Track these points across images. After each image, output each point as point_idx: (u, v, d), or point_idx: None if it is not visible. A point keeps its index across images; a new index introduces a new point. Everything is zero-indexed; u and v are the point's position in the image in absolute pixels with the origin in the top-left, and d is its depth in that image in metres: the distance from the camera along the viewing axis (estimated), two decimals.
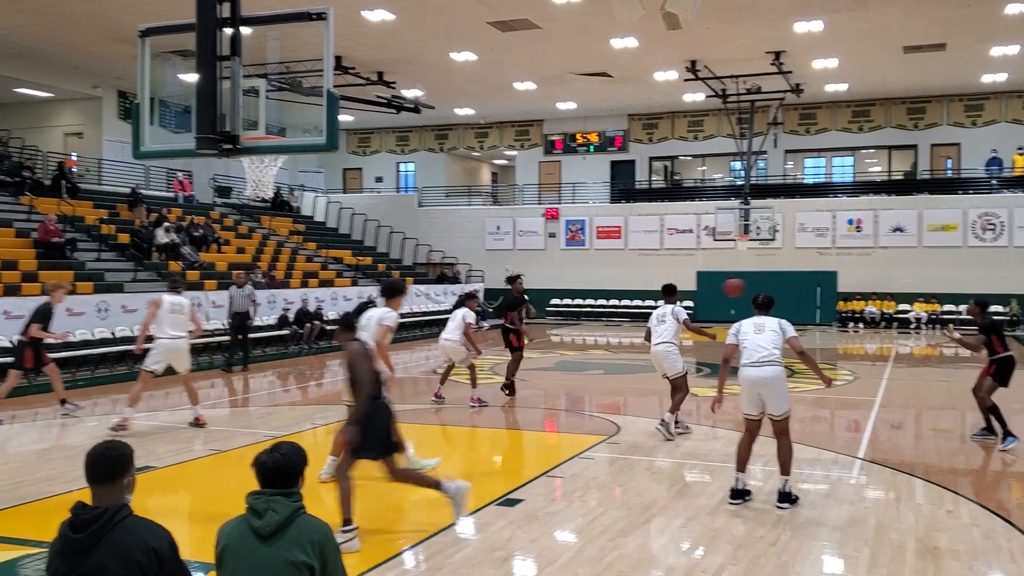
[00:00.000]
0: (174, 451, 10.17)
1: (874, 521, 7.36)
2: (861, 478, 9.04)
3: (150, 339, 12.00)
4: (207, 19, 6.21)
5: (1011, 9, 21.56)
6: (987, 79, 29.90)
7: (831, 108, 34.01)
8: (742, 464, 8.03)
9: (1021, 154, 31.57)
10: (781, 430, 7.92)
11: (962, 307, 30.18)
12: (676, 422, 11.04)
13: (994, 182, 31.94)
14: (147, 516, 3.46)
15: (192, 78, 6.33)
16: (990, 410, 10.31)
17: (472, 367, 13.45)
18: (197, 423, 11.74)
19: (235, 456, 9.93)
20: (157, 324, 11.79)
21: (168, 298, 12.05)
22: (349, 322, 7.66)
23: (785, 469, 7.87)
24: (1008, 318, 29.53)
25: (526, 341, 14.70)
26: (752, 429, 8.06)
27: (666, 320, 11.15)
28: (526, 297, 14.99)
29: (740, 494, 7.93)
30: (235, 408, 14.36)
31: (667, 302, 11.37)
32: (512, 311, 14.39)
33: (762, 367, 7.83)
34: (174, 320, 11.79)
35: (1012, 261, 29.75)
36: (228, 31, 6.31)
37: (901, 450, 10.52)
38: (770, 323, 8.09)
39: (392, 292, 9.22)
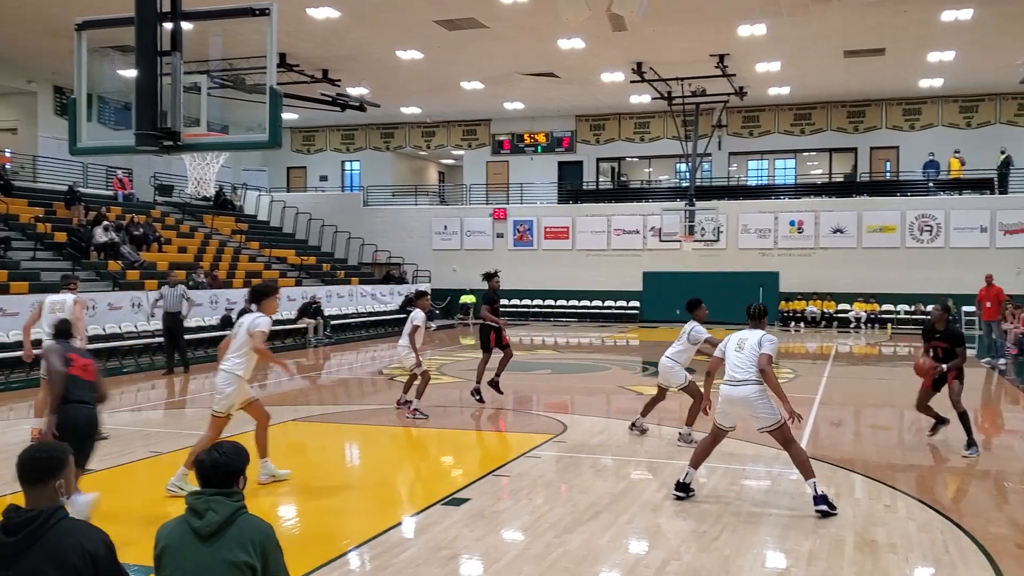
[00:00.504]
0: (113, 454, 9.97)
1: (814, 516, 7.47)
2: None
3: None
4: (146, 13, 6.10)
5: (947, 16, 22.07)
6: (924, 84, 30.57)
7: (774, 111, 34.51)
8: (696, 461, 8.06)
9: (957, 157, 32.32)
10: (782, 439, 7.78)
11: (900, 307, 30.93)
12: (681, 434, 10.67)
13: (931, 185, 32.65)
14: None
15: (131, 74, 6.21)
16: (961, 416, 10.28)
17: (425, 375, 12.55)
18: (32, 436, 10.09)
19: (174, 458, 9.76)
20: (39, 325, 11.05)
21: (50, 297, 11.39)
22: (61, 330, 7.94)
23: (805, 474, 7.64)
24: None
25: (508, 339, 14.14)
26: (719, 435, 8.06)
27: (680, 337, 10.89)
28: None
29: (683, 488, 7.93)
30: (174, 410, 14.14)
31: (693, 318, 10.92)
32: (491, 306, 13.89)
33: (738, 386, 7.78)
34: (52, 320, 10.93)
35: (948, 262, 30.44)
36: (168, 26, 6.20)
37: (840, 446, 10.71)
38: (753, 339, 7.95)
39: (261, 295, 8.61)
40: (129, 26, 6.14)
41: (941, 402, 10.57)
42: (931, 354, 10.62)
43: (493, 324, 13.74)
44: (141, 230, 25.79)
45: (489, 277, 14.36)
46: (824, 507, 7.42)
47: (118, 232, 24.46)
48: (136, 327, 20.49)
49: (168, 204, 31.74)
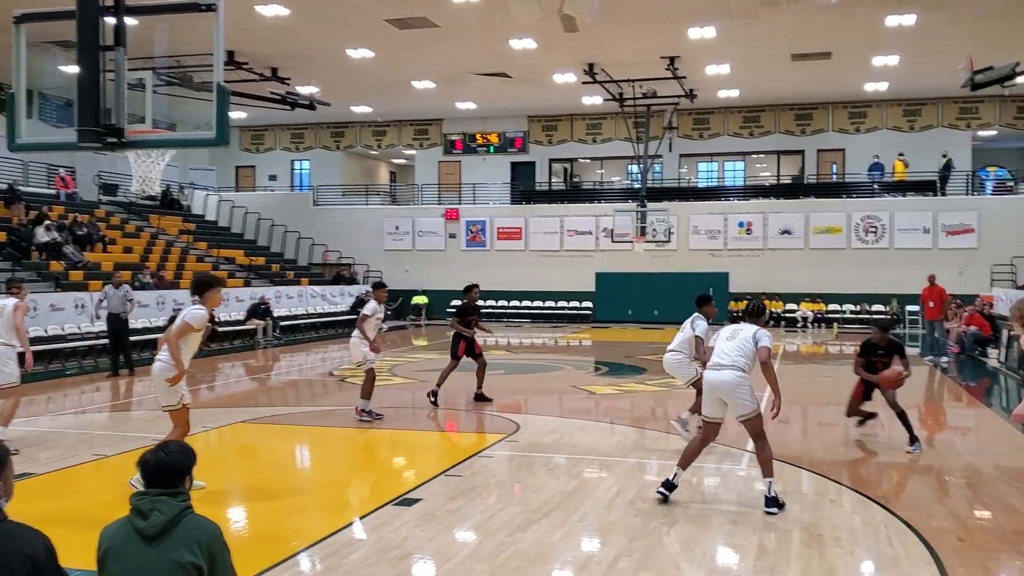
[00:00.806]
0: (56, 457, 9.79)
1: (762, 511, 7.56)
2: (750, 470, 9.27)
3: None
4: (88, 7, 6.00)
5: (891, 21, 22.48)
6: (870, 87, 31.09)
7: (723, 113, 34.87)
8: (685, 462, 8.00)
9: (901, 160, 32.97)
10: (753, 431, 7.88)
11: (847, 306, 31.44)
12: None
13: (875, 187, 33.24)
14: (26, 523, 3.32)
15: (74, 70, 6.10)
16: (900, 416, 10.45)
17: (370, 372, 12.16)
18: None
19: (120, 461, 9.61)
20: None
21: None
22: None
23: (766, 472, 7.72)
24: (888, 316, 30.77)
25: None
26: (708, 433, 8.06)
27: (684, 328, 10.74)
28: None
29: (668, 486, 7.85)
30: (119, 412, 13.90)
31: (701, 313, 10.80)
32: (468, 317, 13.78)
33: (721, 370, 7.83)
34: None
35: (892, 262, 31.01)
36: (112, 20, 6.10)
37: (788, 443, 10.84)
38: (747, 331, 8.01)
39: (205, 287, 8.37)
40: (70, 20, 6.03)
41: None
42: (866, 367, 10.78)
43: (464, 333, 13.59)
44: (85, 230, 25.34)
45: (468, 290, 14.18)
46: (774, 509, 7.49)
47: (61, 232, 24.00)
48: (80, 328, 20.12)
49: (113, 203, 31.21)
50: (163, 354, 8.16)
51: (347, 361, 19.51)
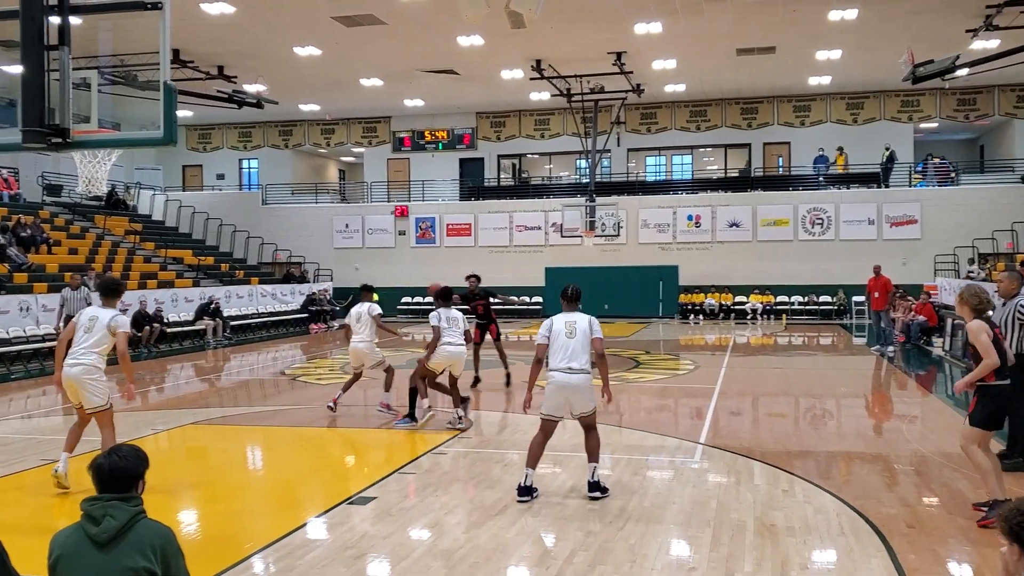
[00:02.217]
0: (2, 463, 9.62)
1: (715, 503, 7.67)
2: (703, 463, 9.40)
3: None
4: (32, 6, 5.89)
5: (834, 15, 22.83)
6: (813, 81, 31.55)
7: (670, 108, 35.12)
8: (534, 462, 7.94)
9: (840, 153, 33.58)
10: (589, 424, 8.01)
11: (795, 298, 31.91)
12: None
13: (821, 179, 33.75)
14: None
15: (17, 70, 5.99)
16: (412, 391, 11.36)
17: (389, 370, 12.42)
18: None
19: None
20: None
21: None
22: None
23: (593, 457, 7.94)
24: (835, 307, 31.32)
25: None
26: (548, 430, 8.04)
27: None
28: (486, 291, 15.91)
29: (528, 491, 7.82)
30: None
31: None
32: (475, 302, 15.04)
33: (572, 374, 7.80)
34: None
35: (838, 253, 31.53)
36: (56, 19, 5.99)
37: (740, 435, 10.99)
38: (581, 322, 7.97)
39: (116, 290, 8.60)
40: (14, 19, 5.92)
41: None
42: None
43: (483, 320, 15.53)
44: (28, 231, 24.84)
45: (467, 279, 15.84)
46: (598, 493, 7.81)
47: (4, 233, 23.51)
48: (24, 331, 19.74)
49: (57, 204, 30.64)
50: (84, 357, 8.17)
51: (299, 361, 19.44)
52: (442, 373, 11.51)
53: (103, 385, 8.30)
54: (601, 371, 8.01)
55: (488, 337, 15.71)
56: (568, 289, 8.27)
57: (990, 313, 7.54)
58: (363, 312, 12.38)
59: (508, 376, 15.29)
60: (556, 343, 7.93)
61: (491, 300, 15.90)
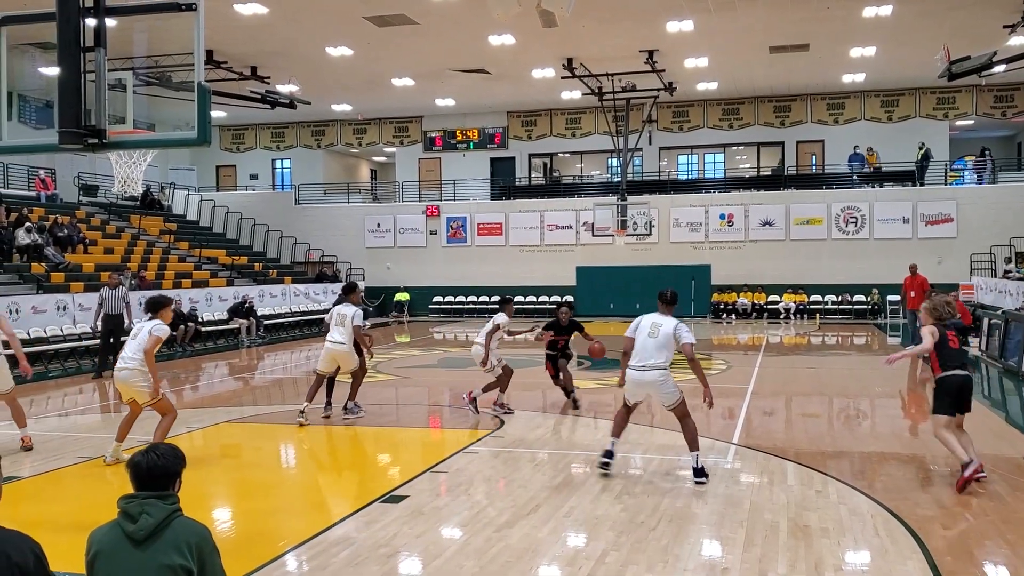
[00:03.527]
0: (41, 460, 9.74)
1: (748, 503, 7.62)
2: (736, 463, 9.34)
3: None
4: (69, 8, 5.95)
5: (868, 12, 22.61)
6: (847, 79, 31.26)
7: (702, 106, 34.96)
8: (617, 431, 8.74)
9: (870, 154, 33.26)
10: (681, 414, 8.59)
11: (828, 297, 31.65)
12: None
13: (855, 178, 33.43)
14: (14, 528, 3.29)
15: (53, 71, 6.06)
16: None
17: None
18: (24, 446, 10.27)
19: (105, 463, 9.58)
20: None
21: None
22: None
23: (693, 446, 8.51)
24: (869, 307, 31.01)
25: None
26: (630, 406, 8.83)
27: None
28: (575, 325, 13.23)
29: (609, 454, 8.63)
30: (107, 414, 13.84)
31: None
32: (565, 335, 13.08)
33: (645, 371, 8.43)
34: None
35: (872, 252, 31.22)
36: (91, 21, 6.05)
37: (773, 435, 10.91)
38: (667, 325, 8.50)
39: (158, 306, 9.37)
40: (50, 22, 5.98)
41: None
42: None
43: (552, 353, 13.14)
44: (65, 231, 25.16)
45: (560, 306, 13.53)
46: (703, 479, 8.34)
47: (41, 234, 23.82)
48: (62, 331, 20.00)
49: (93, 204, 31.02)
50: (130, 363, 9.04)
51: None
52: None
53: (150, 382, 9.04)
54: (696, 374, 8.53)
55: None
56: (667, 293, 8.94)
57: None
58: (347, 316, 11.97)
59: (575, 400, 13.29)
60: (637, 343, 8.58)
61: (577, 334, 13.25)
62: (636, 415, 9.54)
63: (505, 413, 12.16)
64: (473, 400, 12.16)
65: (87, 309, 19.96)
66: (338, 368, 12.28)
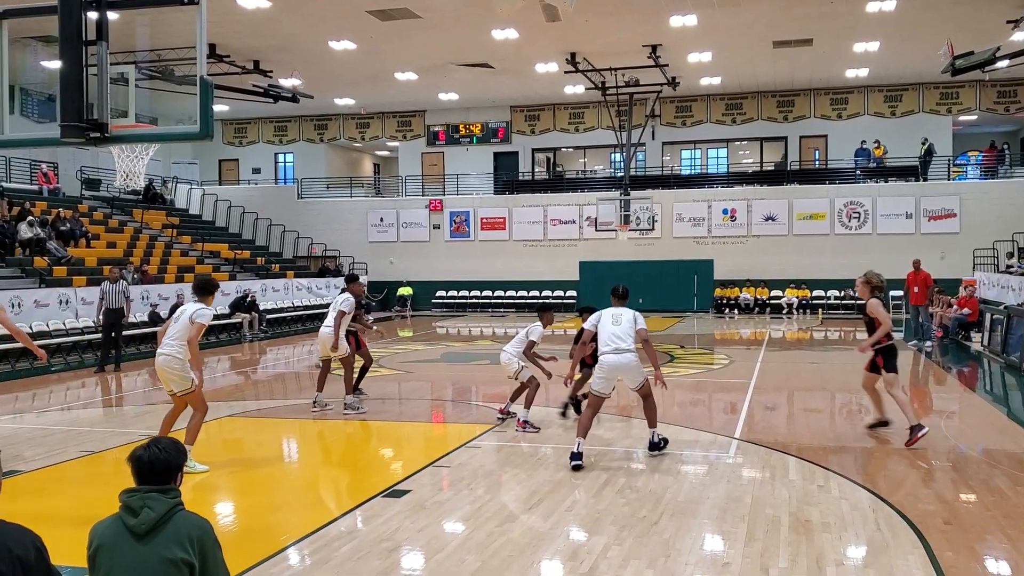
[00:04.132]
0: (43, 454, 9.75)
1: (750, 498, 7.62)
2: (738, 457, 9.34)
3: None
4: (70, 2, 5.95)
5: (872, 7, 22.56)
6: (851, 74, 31.19)
7: (706, 101, 34.91)
8: (584, 431, 8.96)
9: (877, 147, 33.19)
10: (645, 394, 9.28)
11: (831, 292, 31.62)
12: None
13: (858, 172, 33.39)
14: (15, 522, 3.29)
15: (55, 65, 6.06)
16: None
17: (348, 364, 12.14)
18: None
19: (108, 457, 9.60)
20: None
21: None
22: None
23: (652, 423, 9.34)
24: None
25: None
26: (597, 405, 9.23)
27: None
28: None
29: (578, 456, 8.76)
30: (108, 408, 13.87)
31: None
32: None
33: (621, 355, 8.96)
34: None
35: (875, 247, 31.17)
36: (93, 15, 6.06)
37: (775, 430, 10.91)
38: (627, 314, 9.18)
39: (205, 289, 9.10)
40: (52, 15, 5.99)
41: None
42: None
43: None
44: (68, 225, 25.18)
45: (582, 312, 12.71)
46: (655, 452, 9.24)
47: (44, 227, 23.84)
48: (64, 324, 20.02)
49: (96, 198, 31.04)
50: (167, 348, 8.71)
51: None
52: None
53: (186, 371, 8.78)
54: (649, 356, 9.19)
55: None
56: (619, 288, 9.54)
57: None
58: (337, 302, 12.11)
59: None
60: (604, 332, 9.14)
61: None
62: (634, 407, 9.55)
63: (504, 417, 11.37)
64: (524, 424, 10.91)
65: (89, 303, 19.99)
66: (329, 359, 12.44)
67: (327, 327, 12.15)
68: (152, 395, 15.32)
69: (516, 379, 11.24)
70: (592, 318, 9.40)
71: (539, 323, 11.24)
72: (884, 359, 9.99)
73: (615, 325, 9.09)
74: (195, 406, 8.94)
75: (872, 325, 10.06)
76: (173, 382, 8.81)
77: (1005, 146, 34.64)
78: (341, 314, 11.98)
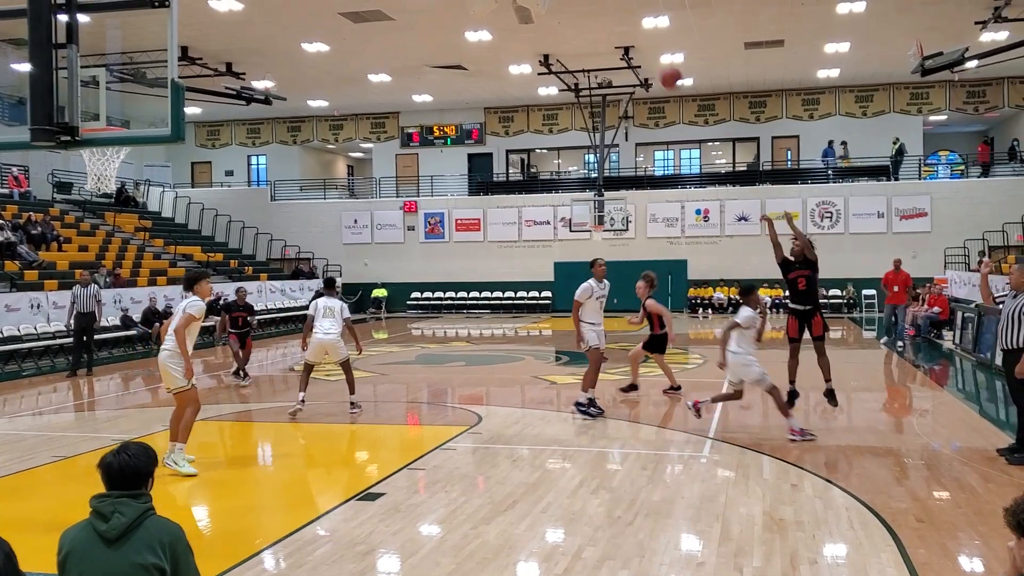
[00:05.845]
0: (14, 459, 9.66)
1: (724, 497, 7.67)
2: (712, 457, 9.40)
3: None
4: (40, 5, 5.90)
5: (842, 8, 22.76)
6: (822, 74, 31.45)
7: (678, 102, 35.07)
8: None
9: (843, 156, 33.60)
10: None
11: None
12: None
13: (830, 173, 33.66)
14: None
15: (26, 67, 6.01)
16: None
17: (347, 367, 12.32)
18: None
19: (80, 462, 9.52)
20: None
21: None
22: None
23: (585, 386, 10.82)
24: (844, 301, 31.22)
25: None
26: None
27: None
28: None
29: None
30: (80, 413, 13.74)
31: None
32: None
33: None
34: None
35: (848, 247, 31.42)
36: (64, 18, 6.01)
37: (749, 429, 10.99)
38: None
39: (193, 281, 9.25)
40: (22, 18, 5.93)
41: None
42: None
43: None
44: (39, 229, 24.93)
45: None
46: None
47: (15, 231, 23.60)
48: (36, 329, 19.83)
49: (67, 202, 30.76)
50: (167, 343, 8.91)
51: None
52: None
53: (182, 364, 8.89)
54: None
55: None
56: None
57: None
58: (335, 308, 12.07)
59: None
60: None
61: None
62: (614, 410, 9.58)
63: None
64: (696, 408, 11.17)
65: (61, 307, 19.80)
66: (322, 361, 12.55)
67: (332, 333, 11.93)
68: (124, 399, 15.21)
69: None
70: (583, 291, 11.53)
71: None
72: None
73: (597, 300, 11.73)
74: (189, 404, 9.04)
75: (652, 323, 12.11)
76: (168, 379, 8.96)
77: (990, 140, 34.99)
78: (348, 321, 12.11)
